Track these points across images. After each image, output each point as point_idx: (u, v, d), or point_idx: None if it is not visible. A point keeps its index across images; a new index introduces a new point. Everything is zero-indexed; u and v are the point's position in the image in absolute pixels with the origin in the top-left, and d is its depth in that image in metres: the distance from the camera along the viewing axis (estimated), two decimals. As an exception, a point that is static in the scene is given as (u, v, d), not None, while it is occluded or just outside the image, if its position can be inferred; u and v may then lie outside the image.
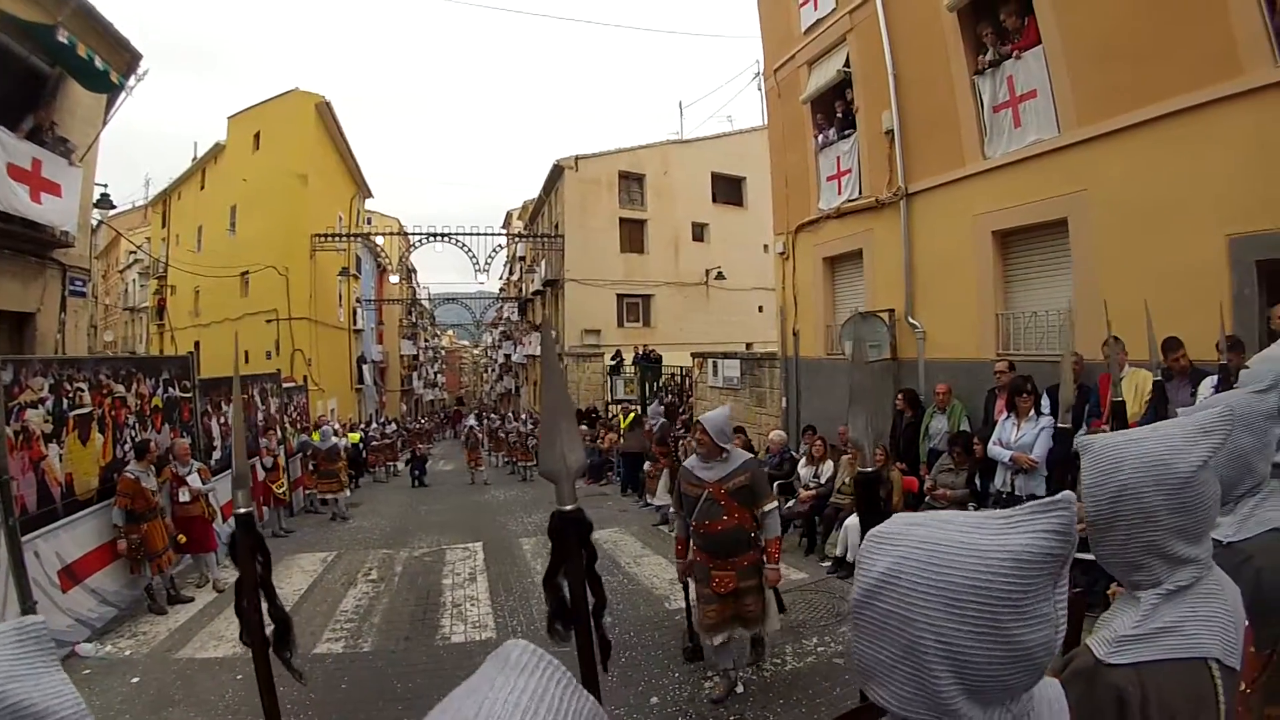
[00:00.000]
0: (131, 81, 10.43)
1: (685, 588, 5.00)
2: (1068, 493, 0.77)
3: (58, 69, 9.43)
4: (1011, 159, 7.51)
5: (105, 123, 10.84)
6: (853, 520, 6.98)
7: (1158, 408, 4.24)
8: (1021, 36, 7.30)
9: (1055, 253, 7.35)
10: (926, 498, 6.93)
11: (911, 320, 8.79)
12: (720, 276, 24.89)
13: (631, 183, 25.94)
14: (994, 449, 6.27)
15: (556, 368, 1.63)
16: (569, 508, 1.27)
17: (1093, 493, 1.25)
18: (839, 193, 10.21)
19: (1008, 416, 6.33)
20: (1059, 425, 2.53)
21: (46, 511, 6.07)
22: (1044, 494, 5.79)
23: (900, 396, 8.22)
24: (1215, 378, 4.82)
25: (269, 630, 1.96)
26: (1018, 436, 6.13)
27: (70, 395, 6.59)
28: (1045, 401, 6.28)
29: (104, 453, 7.09)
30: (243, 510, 1.54)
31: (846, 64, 10.00)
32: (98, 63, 9.19)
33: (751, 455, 4.95)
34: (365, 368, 31.36)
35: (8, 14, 8.43)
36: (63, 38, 8.63)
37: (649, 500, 10.41)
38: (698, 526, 4.40)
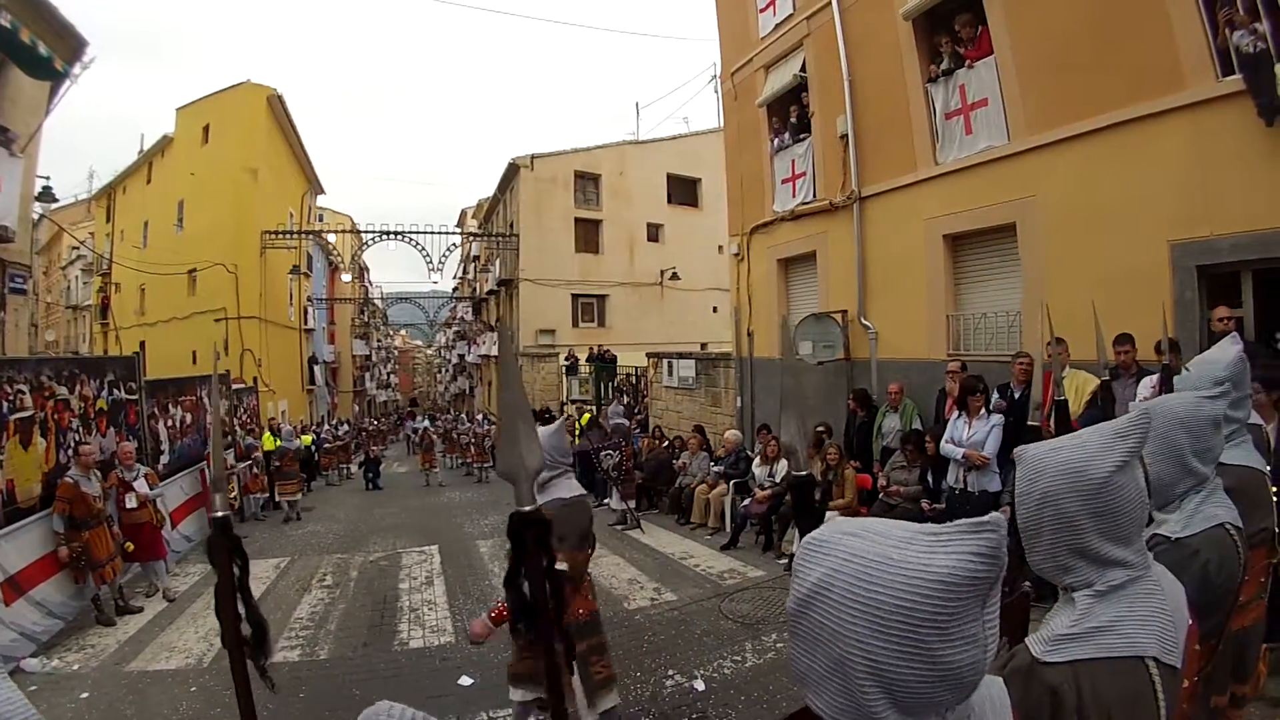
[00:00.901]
0: (77, 69, 10.15)
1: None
2: (996, 514, 0.77)
3: (-1, 54, 9.11)
4: (963, 165, 7.69)
5: (48, 112, 10.52)
6: (808, 519, 7.08)
7: (1105, 406, 4.36)
8: (975, 46, 7.48)
9: (1004, 256, 7.54)
10: (880, 495, 7.06)
11: (864, 321, 8.94)
12: (675, 277, 24.97)
13: (587, 182, 25.90)
14: (946, 447, 6.41)
15: (514, 368, 1.65)
16: (528, 508, 1.28)
17: (1021, 500, 1.31)
18: (793, 195, 10.34)
19: (959, 415, 6.48)
20: (1030, 423, 2.61)
21: (-13, 515, 5.83)
22: (996, 490, 5.98)
23: (853, 396, 8.36)
24: (1156, 377, 5.02)
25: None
26: (970, 434, 6.27)
27: (10, 398, 6.38)
28: (995, 399, 6.46)
29: (46, 458, 6.86)
30: (220, 513, 1.52)
31: (803, 69, 10.13)
32: (41, 49, 8.93)
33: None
34: (317, 368, 30.81)
35: None
36: (4, 21, 8.35)
37: (606, 501, 10.40)
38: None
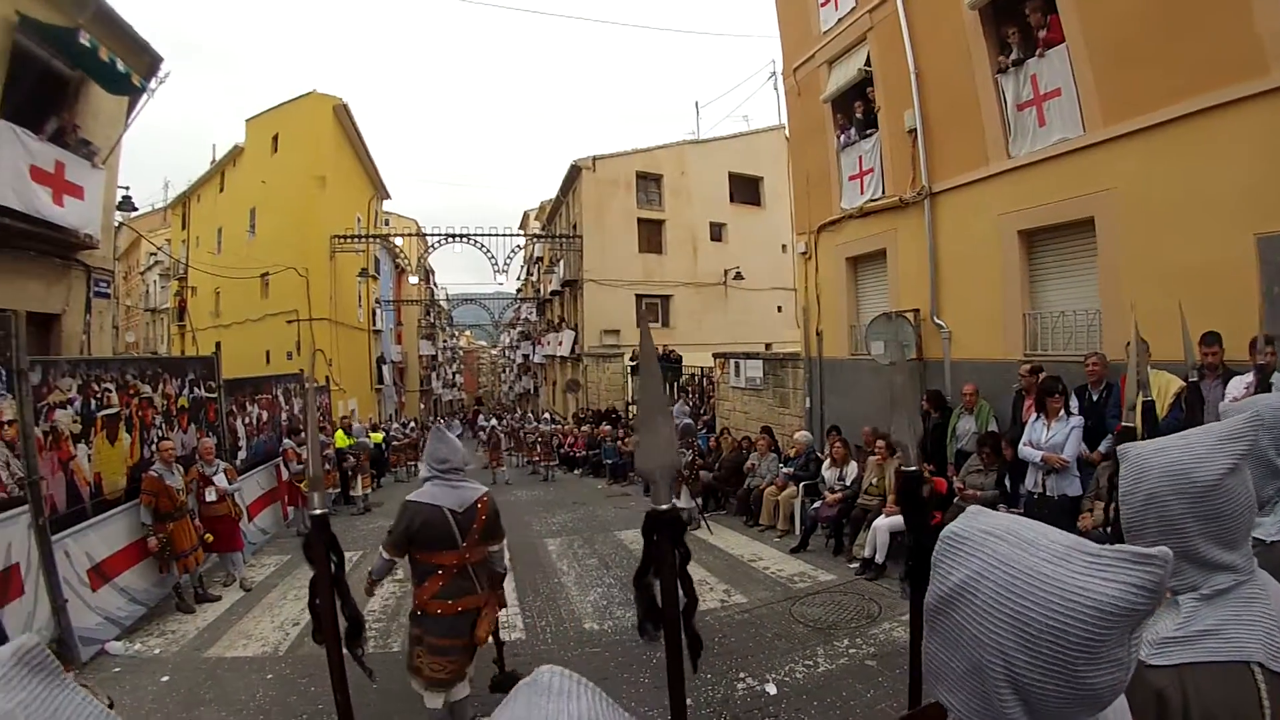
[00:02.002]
0: (152, 84, 10.53)
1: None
2: (1164, 549, 0.74)
3: (79, 72, 9.54)
4: (1036, 158, 7.49)
5: (127, 125, 10.94)
6: (881, 521, 6.99)
7: (1192, 409, 4.20)
8: (1046, 33, 7.27)
9: (1082, 252, 7.33)
10: (955, 498, 6.91)
11: (937, 320, 8.77)
12: (739, 277, 24.83)
13: (649, 183, 25.93)
14: (1025, 450, 6.25)
15: (655, 368, 1.57)
16: (664, 507, 1.28)
17: (1125, 500, 1.27)
18: (861, 192, 10.20)
19: (1037, 417, 6.30)
20: (1124, 424, 2.53)
21: (75, 511, 6.11)
22: (1076, 494, 5.80)
23: (925, 398, 8.20)
24: (1248, 376, 4.81)
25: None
26: (1048, 437, 6.10)
27: (98, 396, 6.62)
28: (1074, 402, 6.27)
29: (131, 453, 7.13)
30: (319, 511, 1.56)
31: (867, 63, 10.00)
32: (119, 66, 9.30)
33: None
34: (385, 368, 31.48)
35: (30, 18, 8.55)
36: (84, 41, 8.74)
37: (674, 502, 10.40)
38: None
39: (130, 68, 9.66)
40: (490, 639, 4.19)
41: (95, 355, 9.69)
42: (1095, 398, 6.33)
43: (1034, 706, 0.76)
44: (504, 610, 6.67)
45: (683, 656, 1.31)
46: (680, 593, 1.31)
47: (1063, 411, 6.16)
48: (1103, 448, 6.00)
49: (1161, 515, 1.21)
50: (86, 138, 9.68)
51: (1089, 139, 6.89)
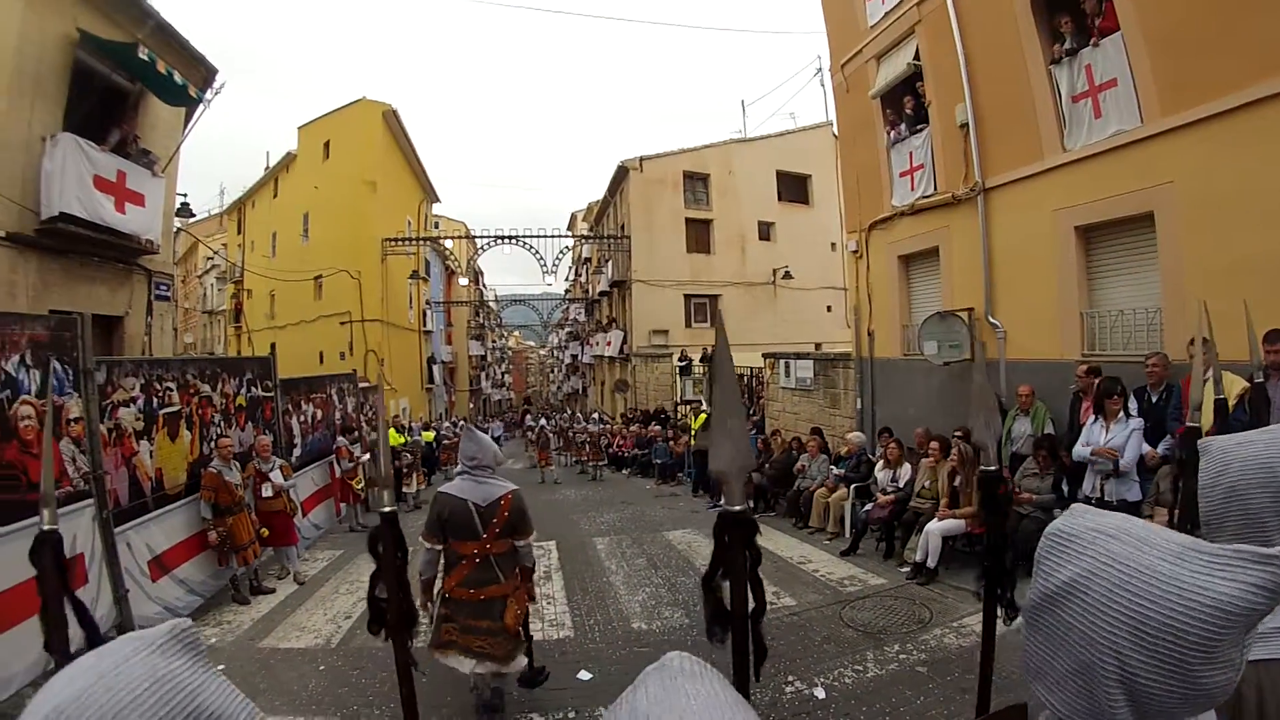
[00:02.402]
0: (208, 95, 10.85)
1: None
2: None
3: (138, 85, 9.93)
4: (1093, 151, 7.27)
5: (185, 135, 11.35)
6: (933, 525, 6.87)
7: (1257, 410, 4.05)
8: (1100, 21, 7.06)
9: (1141, 248, 7.10)
10: (1010, 503, 6.76)
11: (991, 319, 8.57)
12: (787, 276, 24.63)
13: (696, 182, 25.87)
14: (1079, 450, 6.09)
15: (729, 368, 1.54)
16: (736, 508, 1.28)
17: (1205, 493, 1.25)
18: (912, 189, 10.02)
19: (1095, 419, 6.13)
20: (1188, 424, 2.45)
21: (137, 505, 6.33)
22: (1136, 499, 5.62)
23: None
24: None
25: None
26: (1106, 439, 5.93)
27: (160, 394, 6.87)
28: (1133, 404, 6.08)
29: (191, 449, 7.37)
30: (388, 508, 1.59)
31: (916, 57, 9.83)
32: (176, 78, 9.66)
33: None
34: (435, 368, 31.94)
35: (90, 34, 8.91)
36: (143, 55, 9.08)
37: (720, 502, 10.36)
38: None
39: (187, 80, 10.03)
40: (520, 632, 4.34)
41: (157, 356, 10.04)
42: (1155, 399, 6.13)
43: (1143, 706, 0.75)
44: (550, 607, 6.77)
45: (749, 662, 1.31)
46: (750, 596, 1.31)
47: (1122, 413, 5.98)
48: (1161, 450, 5.81)
49: (1244, 509, 1.18)
50: (146, 147, 10.04)
51: (1147, 130, 6.66)
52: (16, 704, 4.66)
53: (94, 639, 1.61)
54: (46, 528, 1.58)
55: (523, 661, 4.35)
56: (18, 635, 4.66)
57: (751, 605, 1.32)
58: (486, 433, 5.38)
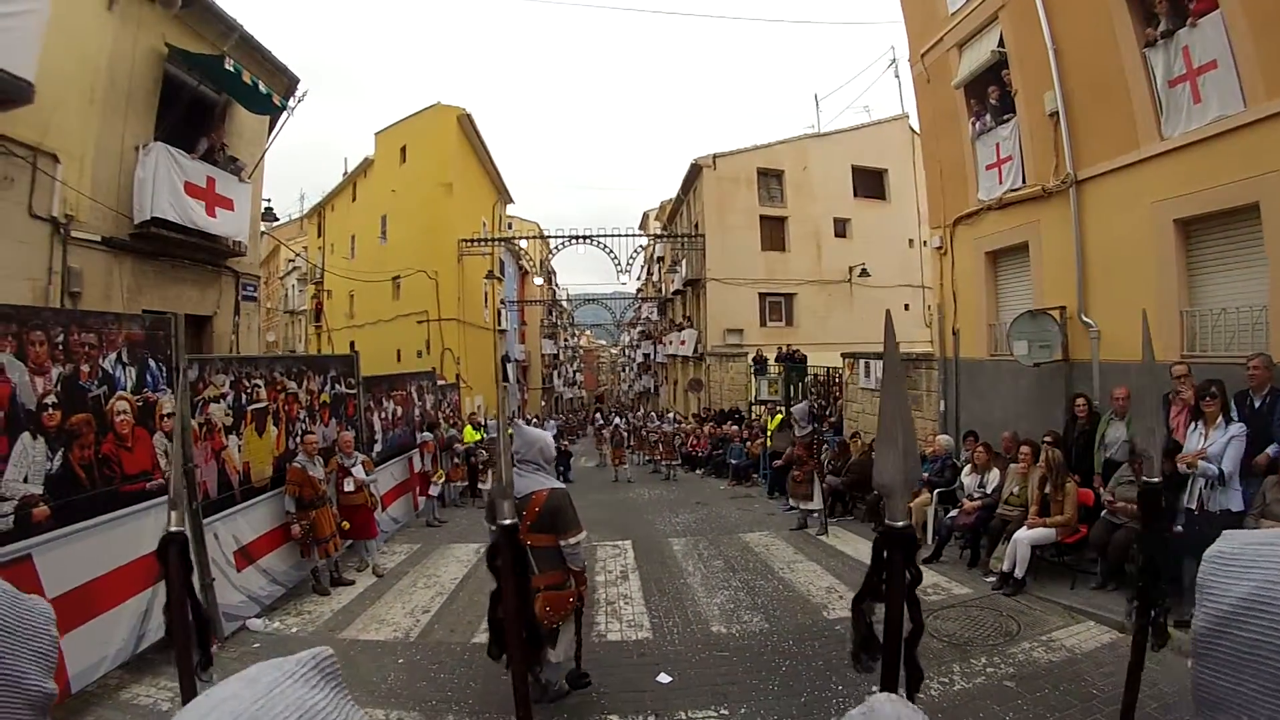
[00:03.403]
0: (291, 103, 11.21)
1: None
2: None
3: (224, 95, 10.38)
4: (1192, 139, 6.87)
5: (270, 141, 11.81)
6: (1022, 533, 6.60)
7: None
8: (1197, 2, 6.65)
9: (1247, 242, 6.68)
10: (1104, 513, 6.43)
11: (1085, 318, 8.18)
12: (864, 274, 24.17)
13: (770, 179, 25.63)
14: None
15: (899, 373, 1.51)
16: (900, 524, 1.21)
17: None
18: (1000, 182, 9.66)
19: (1195, 425, 5.75)
20: None
21: (225, 497, 6.56)
22: (1239, 510, 5.26)
23: (1080, 401, 7.62)
24: None
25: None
26: (1205, 446, 5.55)
27: (248, 391, 7.10)
28: (1233, 409, 5.68)
29: (277, 444, 7.60)
30: (508, 521, 1.55)
31: (1000, 44, 9.51)
32: (261, 87, 10.03)
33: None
34: (509, 366, 32.38)
35: (177, 48, 9.35)
36: (229, 66, 9.49)
37: (792, 504, 10.19)
38: None
39: (271, 89, 10.39)
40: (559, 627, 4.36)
41: (244, 354, 10.45)
42: (1258, 404, 5.70)
43: None
44: (628, 608, 6.72)
45: (897, 684, 1.23)
46: (906, 618, 1.24)
47: (1221, 419, 5.58)
48: (1272, 451, 5.41)
49: None
50: (233, 155, 10.50)
51: (1251, 115, 6.25)
52: (102, 685, 4.89)
53: (205, 640, 1.67)
54: (174, 529, 1.62)
55: (554, 655, 4.38)
56: (109, 621, 4.89)
57: (909, 628, 1.24)
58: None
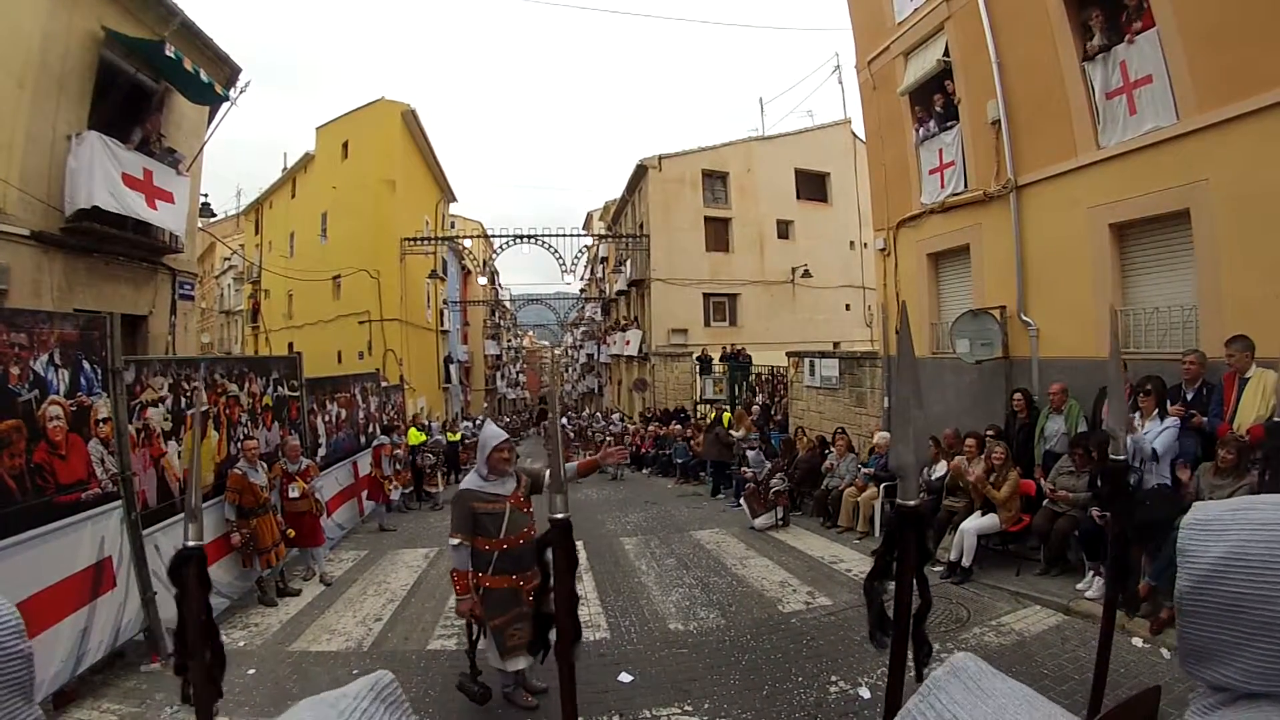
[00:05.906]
0: (233, 93, 10.92)
1: (471, 626, 4.70)
2: None
3: (163, 84, 10.01)
4: (1127, 148, 7.20)
5: (210, 133, 11.42)
6: (968, 523, 6.84)
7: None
8: (1138, 19, 6.99)
9: (1176, 246, 7.05)
10: (1045, 500, 6.70)
11: (1024, 317, 8.50)
12: (807, 274, 24.54)
13: (715, 181, 25.83)
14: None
15: (912, 364, 1.53)
16: (912, 503, 1.26)
17: None
18: (942, 186, 9.95)
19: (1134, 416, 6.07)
20: (1274, 419, 2.45)
21: (166, 506, 6.30)
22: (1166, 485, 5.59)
23: (1018, 396, 7.94)
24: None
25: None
26: (1141, 435, 5.87)
27: (188, 394, 6.79)
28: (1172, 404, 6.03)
29: (219, 450, 7.38)
30: (560, 515, 1.50)
31: (946, 53, 9.76)
32: (203, 76, 9.72)
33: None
34: (452, 367, 31.97)
35: (115, 33, 8.98)
36: (170, 53, 9.14)
37: (740, 503, 10.36)
38: (503, 542, 4.39)
39: (212, 78, 10.09)
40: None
41: (181, 355, 10.04)
42: (1190, 396, 6.07)
43: None
44: (583, 608, 6.68)
45: (905, 662, 1.29)
46: (916, 593, 1.29)
47: (1156, 411, 5.94)
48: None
49: None
50: (171, 146, 10.12)
51: (1183, 127, 6.60)
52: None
53: (219, 664, 1.59)
54: (192, 544, 1.53)
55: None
56: (46, 642, 4.61)
57: (918, 602, 1.30)
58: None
